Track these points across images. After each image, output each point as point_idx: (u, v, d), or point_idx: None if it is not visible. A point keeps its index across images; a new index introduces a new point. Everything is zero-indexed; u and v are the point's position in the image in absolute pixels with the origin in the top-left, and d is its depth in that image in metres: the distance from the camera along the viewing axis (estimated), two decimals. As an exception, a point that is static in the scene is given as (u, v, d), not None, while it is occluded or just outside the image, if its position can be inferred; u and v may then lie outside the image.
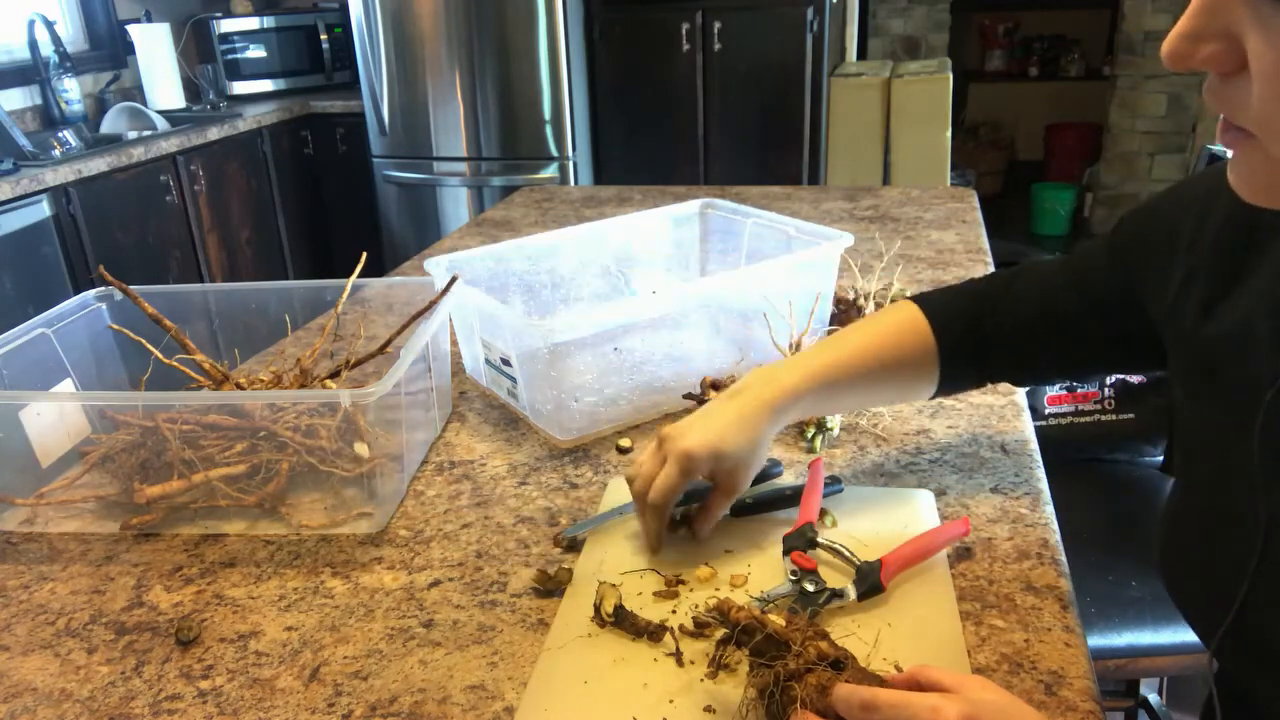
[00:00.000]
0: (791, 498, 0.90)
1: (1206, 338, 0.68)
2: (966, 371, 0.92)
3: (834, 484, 0.93)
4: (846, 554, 0.81)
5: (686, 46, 3.51)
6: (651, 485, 0.83)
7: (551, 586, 0.82)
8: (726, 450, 0.82)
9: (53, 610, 0.83)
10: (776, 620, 0.64)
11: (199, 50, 3.95)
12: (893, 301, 1.26)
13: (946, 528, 0.83)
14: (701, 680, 0.69)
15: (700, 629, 0.74)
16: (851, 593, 0.77)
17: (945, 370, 0.90)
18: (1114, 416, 1.65)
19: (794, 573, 0.79)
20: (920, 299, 0.93)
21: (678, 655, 0.72)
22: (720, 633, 0.69)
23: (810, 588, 0.77)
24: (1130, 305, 0.80)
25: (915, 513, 0.90)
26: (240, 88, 3.89)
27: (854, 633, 0.74)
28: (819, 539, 0.83)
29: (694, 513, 0.87)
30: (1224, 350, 0.66)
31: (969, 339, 0.90)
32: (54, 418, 1.03)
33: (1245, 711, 0.70)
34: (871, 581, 0.77)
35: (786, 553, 0.82)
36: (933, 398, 0.94)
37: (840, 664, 0.61)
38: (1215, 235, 0.69)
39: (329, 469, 0.94)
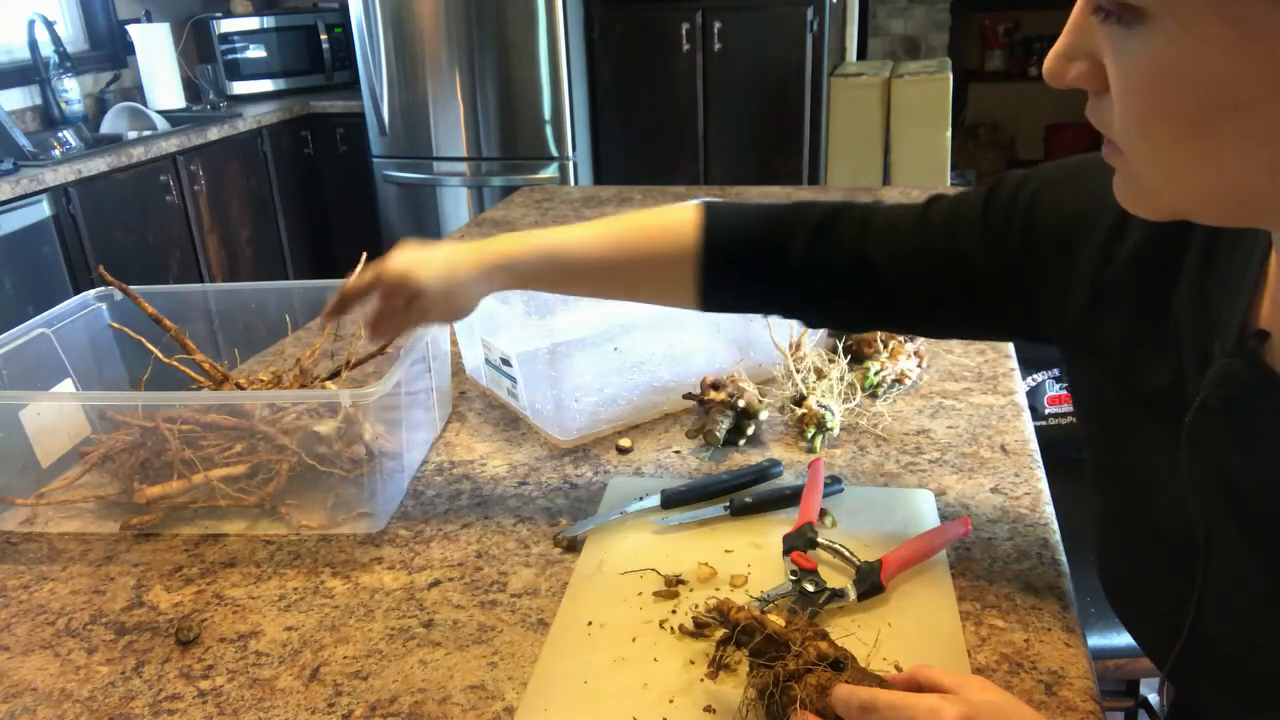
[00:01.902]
0: (791, 498, 0.90)
1: (1125, 354, 0.65)
2: (728, 287, 0.85)
3: (834, 484, 0.93)
4: (846, 554, 0.81)
5: (686, 46, 3.51)
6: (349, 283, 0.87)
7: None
8: (417, 273, 0.83)
9: (53, 610, 0.83)
10: (776, 620, 0.65)
11: (199, 50, 3.95)
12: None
13: (946, 528, 0.83)
14: (701, 680, 0.69)
15: (700, 629, 0.74)
16: (851, 593, 0.77)
17: (704, 279, 0.83)
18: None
19: (794, 573, 0.79)
20: (711, 204, 0.86)
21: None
22: (720, 633, 0.69)
23: (810, 588, 0.77)
24: (1003, 281, 0.74)
25: (915, 513, 0.90)
26: (240, 88, 3.89)
27: (854, 633, 0.74)
28: (819, 539, 0.83)
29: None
30: (1144, 366, 0.63)
31: (750, 260, 0.83)
32: (54, 418, 1.03)
33: None
34: (871, 581, 0.77)
35: (786, 553, 0.82)
36: (702, 310, 0.87)
37: (840, 664, 0.61)
38: (1133, 252, 0.65)
39: (328, 469, 0.93)
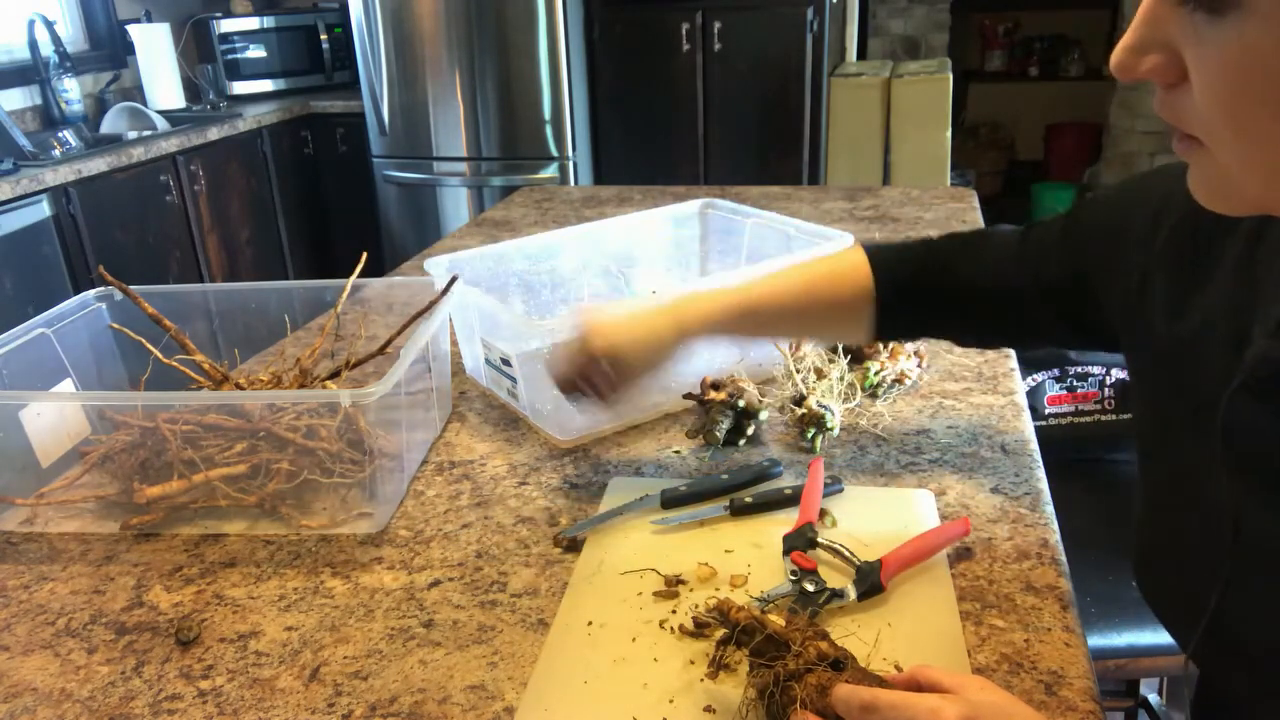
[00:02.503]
0: (791, 498, 0.90)
1: (1168, 338, 0.67)
2: (902, 321, 0.94)
3: (834, 484, 0.93)
4: (846, 554, 0.81)
5: (686, 46, 3.51)
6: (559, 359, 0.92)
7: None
8: (621, 342, 0.89)
9: (53, 610, 0.83)
10: (776, 620, 0.65)
11: (199, 50, 3.95)
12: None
13: (947, 528, 0.83)
14: (701, 680, 0.69)
15: (700, 629, 0.74)
16: (851, 592, 0.77)
17: (881, 316, 0.91)
18: (1114, 416, 1.65)
19: (794, 572, 0.79)
20: (867, 246, 0.94)
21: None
22: (720, 632, 0.69)
23: (810, 587, 0.77)
24: (1080, 290, 0.80)
25: (915, 513, 0.90)
26: (240, 88, 3.89)
27: (854, 633, 0.74)
28: (819, 539, 0.83)
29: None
30: (1186, 350, 0.66)
31: (912, 291, 0.91)
32: (54, 418, 1.03)
33: (1227, 713, 0.70)
34: (871, 581, 0.77)
35: (786, 552, 0.82)
36: (863, 344, 0.97)
37: (840, 664, 0.61)
38: (1170, 236, 0.68)
39: (328, 469, 0.93)
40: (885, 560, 0.79)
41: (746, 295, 0.92)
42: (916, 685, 0.60)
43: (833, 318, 0.94)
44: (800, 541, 0.82)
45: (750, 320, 0.93)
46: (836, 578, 0.79)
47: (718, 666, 0.68)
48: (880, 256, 0.92)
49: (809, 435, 1.03)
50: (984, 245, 0.91)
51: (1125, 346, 0.76)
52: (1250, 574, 0.60)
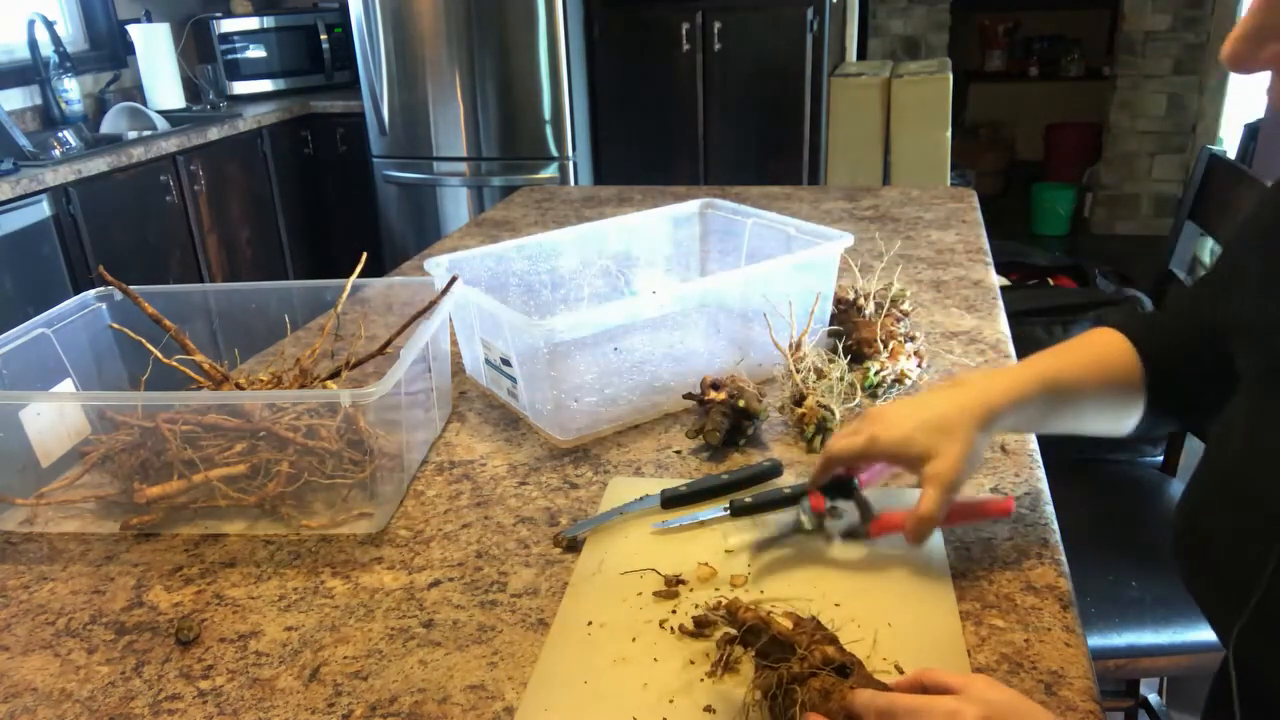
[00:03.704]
0: (791, 497, 0.90)
1: (1255, 324, 0.68)
2: (1168, 403, 0.84)
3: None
4: (871, 512, 0.85)
5: (686, 46, 3.51)
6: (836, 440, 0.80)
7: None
8: (916, 441, 0.77)
9: (53, 610, 0.83)
10: (784, 622, 0.64)
11: (199, 50, 3.95)
12: (892, 301, 1.26)
13: (987, 501, 0.86)
14: (701, 680, 0.69)
15: (700, 629, 0.74)
16: (838, 527, 0.84)
17: (1151, 397, 0.82)
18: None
19: (804, 509, 0.85)
20: (1128, 326, 0.86)
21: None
22: (721, 632, 0.69)
23: (805, 520, 0.84)
24: None
25: (915, 513, 0.90)
26: (240, 88, 3.89)
27: (853, 633, 0.73)
28: (858, 491, 0.86)
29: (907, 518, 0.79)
30: (1263, 337, 0.66)
31: (1191, 375, 0.83)
32: (54, 418, 1.03)
33: (1263, 700, 0.69)
34: (858, 521, 0.84)
35: (812, 490, 0.86)
36: (1130, 434, 0.86)
37: (846, 669, 0.61)
38: (1254, 221, 0.70)
39: (328, 469, 0.93)
40: (884, 515, 0.83)
41: (1046, 374, 0.81)
42: (921, 687, 0.60)
43: (1115, 402, 0.83)
44: (832, 487, 0.85)
45: (1048, 404, 0.81)
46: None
47: (723, 666, 0.68)
48: (1140, 333, 0.84)
49: (809, 435, 1.03)
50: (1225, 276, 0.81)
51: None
52: None
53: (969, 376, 0.82)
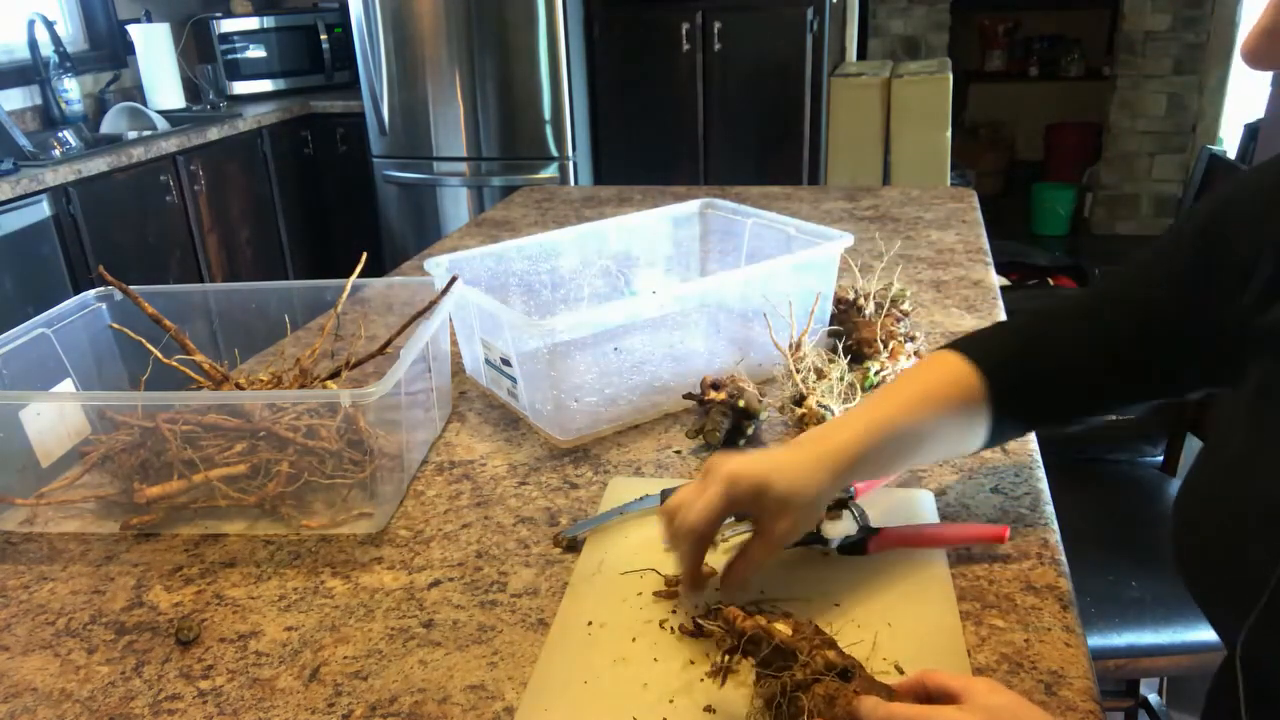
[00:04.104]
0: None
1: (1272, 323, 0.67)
2: (1017, 413, 0.84)
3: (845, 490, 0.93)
4: (864, 522, 0.84)
5: (686, 46, 3.51)
6: (691, 508, 0.73)
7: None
8: (775, 481, 0.72)
9: (53, 610, 0.83)
10: (783, 629, 0.64)
11: (199, 50, 3.95)
12: (892, 301, 1.26)
13: (978, 528, 0.85)
14: (701, 680, 0.69)
15: (700, 629, 0.74)
16: (834, 541, 0.82)
17: (995, 412, 0.81)
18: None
19: None
20: (963, 344, 0.85)
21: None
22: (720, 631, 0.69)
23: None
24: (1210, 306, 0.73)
25: (916, 512, 0.90)
26: (240, 88, 3.89)
27: (852, 635, 0.73)
28: (852, 501, 0.85)
29: (730, 558, 0.77)
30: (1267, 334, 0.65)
31: (1020, 378, 0.82)
32: (54, 418, 1.03)
33: (1271, 700, 0.69)
34: (858, 539, 0.82)
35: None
36: (976, 451, 0.85)
37: (848, 673, 0.61)
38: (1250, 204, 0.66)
39: (328, 469, 0.93)
40: (884, 531, 0.81)
41: (879, 420, 0.78)
42: (923, 688, 0.60)
43: (952, 430, 0.82)
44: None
45: (885, 447, 0.78)
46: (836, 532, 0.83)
47: (724, 674, 0.68)
48: (976, 350, 0.83)
49: (809, 435, 1.03)
50: (1070, 300, 0.82)
51: (1243, 344, 0.72)
52: None
53: (804, 436, 0.79)
